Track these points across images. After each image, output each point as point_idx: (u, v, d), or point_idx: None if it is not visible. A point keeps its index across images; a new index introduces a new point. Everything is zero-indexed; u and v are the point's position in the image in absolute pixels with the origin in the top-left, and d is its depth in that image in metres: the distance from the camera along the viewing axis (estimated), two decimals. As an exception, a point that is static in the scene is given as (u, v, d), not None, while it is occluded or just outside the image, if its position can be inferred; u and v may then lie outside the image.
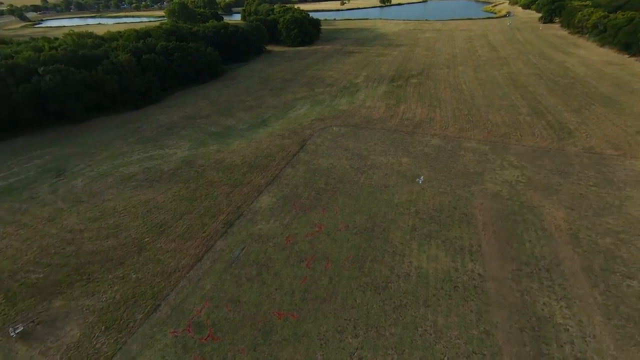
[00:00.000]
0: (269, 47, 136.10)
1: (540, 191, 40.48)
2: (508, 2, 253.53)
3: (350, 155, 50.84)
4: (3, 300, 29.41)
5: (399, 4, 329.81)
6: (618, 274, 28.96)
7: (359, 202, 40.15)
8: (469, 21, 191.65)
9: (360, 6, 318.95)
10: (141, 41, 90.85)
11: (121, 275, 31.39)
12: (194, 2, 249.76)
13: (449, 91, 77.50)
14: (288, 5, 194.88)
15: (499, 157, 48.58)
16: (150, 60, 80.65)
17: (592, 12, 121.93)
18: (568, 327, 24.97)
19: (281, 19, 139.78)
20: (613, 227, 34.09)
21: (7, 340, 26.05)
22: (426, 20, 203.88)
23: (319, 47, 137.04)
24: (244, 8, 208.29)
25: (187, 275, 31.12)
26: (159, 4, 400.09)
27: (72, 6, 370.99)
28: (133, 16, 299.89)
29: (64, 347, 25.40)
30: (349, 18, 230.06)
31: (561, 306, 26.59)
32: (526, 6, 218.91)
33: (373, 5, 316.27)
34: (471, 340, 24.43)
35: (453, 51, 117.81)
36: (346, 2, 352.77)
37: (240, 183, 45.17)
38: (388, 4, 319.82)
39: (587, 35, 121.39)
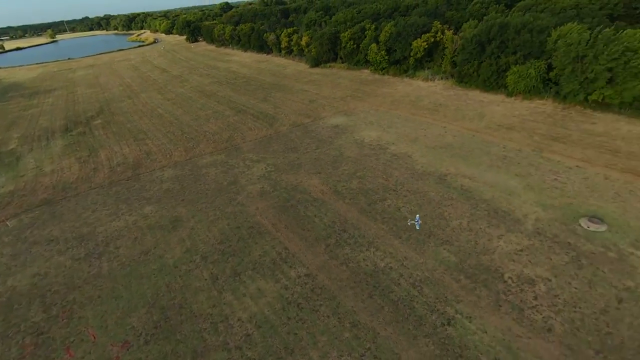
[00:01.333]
0: None
1: (289, 171, 42.78)
2: (149, 30, 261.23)
3: (64, 247, 33.33)
4: None
5: (18, 49, 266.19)
6: (378, 202, 34.75)
7: (122, 299, 26.60)
8: (122, 52, 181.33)
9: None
10: None
11: None
12: None
13: (147, 119, 68.53)
14: None
15: (239, 159, 47.45)
16: None
17: (223, 27, 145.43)
18: (390, 265, 27.03)
19: None
20: (350, 171, 41.01)
21: None
22: (69, 58, 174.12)
23: None
24: None
25: None
26: None
27: None
28: None
29: None
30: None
31: (373, 251, 28.54)
32: (168, 31, 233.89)
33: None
34: (351, 345, 21.32)
35: (125, 82, 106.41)
36: None
37: None
38: (1, 50, 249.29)
39: (231, 46, 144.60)
